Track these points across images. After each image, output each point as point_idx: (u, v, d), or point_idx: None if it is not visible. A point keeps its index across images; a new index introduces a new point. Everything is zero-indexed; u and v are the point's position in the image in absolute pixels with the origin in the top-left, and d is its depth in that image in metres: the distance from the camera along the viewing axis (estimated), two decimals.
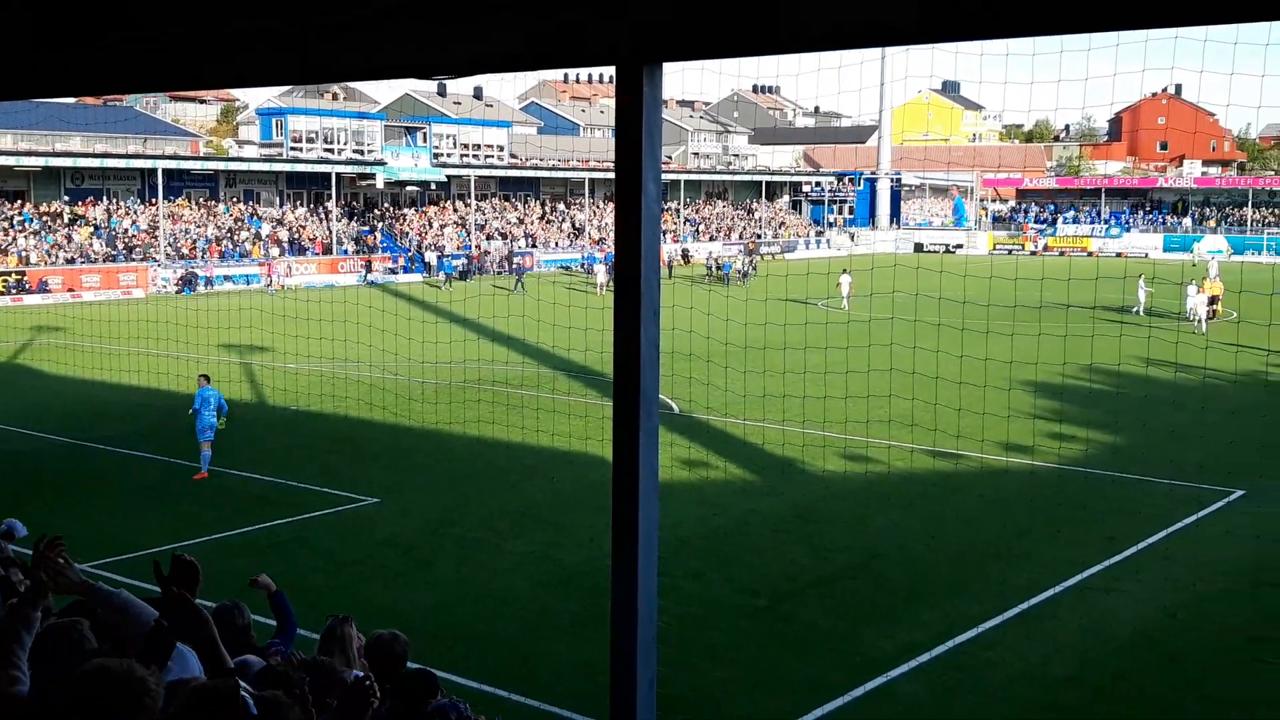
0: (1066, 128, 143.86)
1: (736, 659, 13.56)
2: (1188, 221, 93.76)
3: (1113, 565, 16.85)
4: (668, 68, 4.91)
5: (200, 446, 21.55)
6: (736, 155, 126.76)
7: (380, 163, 74.89)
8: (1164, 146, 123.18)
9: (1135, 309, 46.82)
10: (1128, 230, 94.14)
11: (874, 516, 19.54)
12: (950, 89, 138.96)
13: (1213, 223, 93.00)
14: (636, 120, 4.89)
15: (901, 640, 13.90)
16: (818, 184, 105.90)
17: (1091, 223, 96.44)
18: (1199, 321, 42.93)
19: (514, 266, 66.19)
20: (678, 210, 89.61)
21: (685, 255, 79.52)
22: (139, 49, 5.55)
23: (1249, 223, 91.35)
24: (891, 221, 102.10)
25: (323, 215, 72.37)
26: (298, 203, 73.93)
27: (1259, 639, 14.21)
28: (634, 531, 4.89)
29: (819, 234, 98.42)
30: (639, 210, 4.91)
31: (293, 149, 73.50)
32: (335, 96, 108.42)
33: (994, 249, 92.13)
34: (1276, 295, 32.20)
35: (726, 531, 18.68)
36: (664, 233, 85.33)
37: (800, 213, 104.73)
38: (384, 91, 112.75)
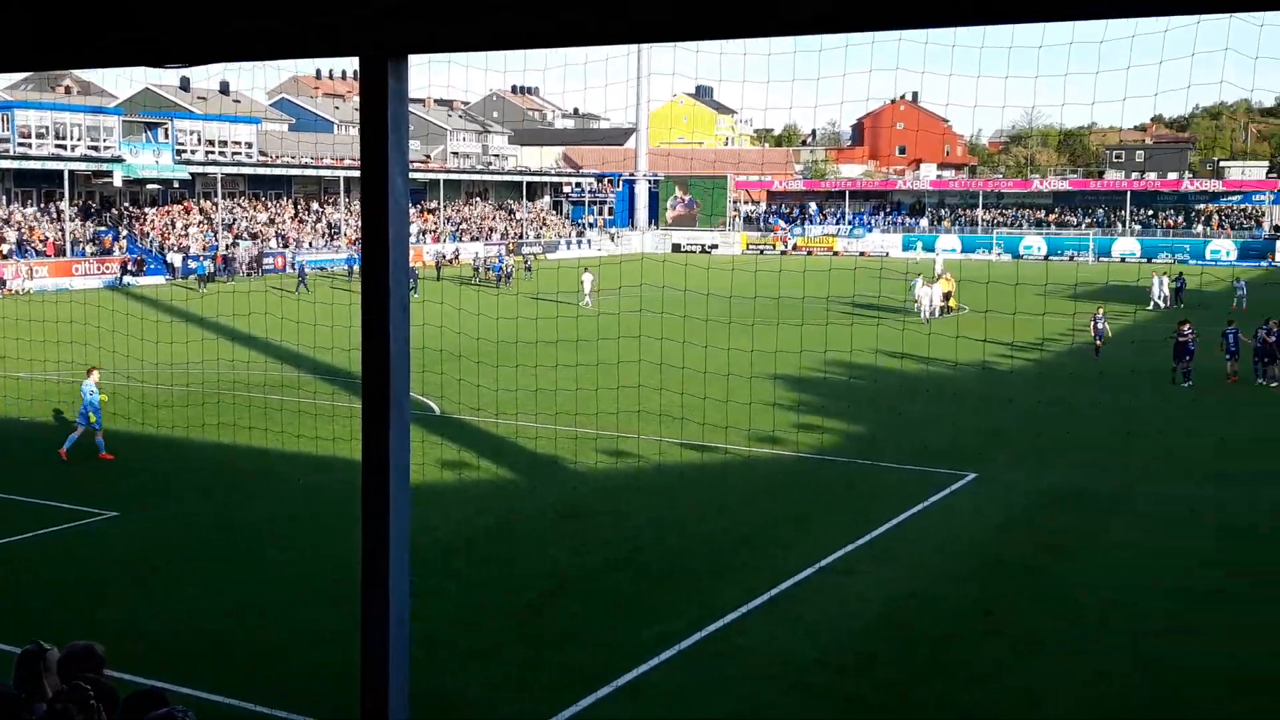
0: (813, 132, 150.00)
1: (498, 658, 13.53)
2: (924, 222, 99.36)
3: (858, 549, 17.66)
4: (435, 64, 4.86)
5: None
6: (497, 155, 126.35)
7: (118, 159, 70.95)
8: (902, 151, 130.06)
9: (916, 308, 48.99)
10: (870, 230, 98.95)
11: (634, 510, 19.85)
12: (704, 94, 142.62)
13: (947, 223, 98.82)
14: (381, 113, 4.81)
15: (659, 630, 14.18)
16: (578, 185, 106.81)
17: (837, 223, 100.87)
18: (927, 314, 45.85)
19: (298, 267, 63.79)
20: (438, 210, 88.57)
21: (455, 255, 78.77)
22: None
23: (979, 222, 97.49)
24: (650, 222, 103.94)
25: (55, 215, 68.03)
26: (27, 202, 69.30)
27: (990, 613, 15.19)
28: (384, 532, 4.80)
29: (580, 234, 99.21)
30: (385, 204, 4.84)
31: (21, 144, 68.75)
32: (69, 90, 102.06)
33: (747, 248, 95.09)
34: (1004, 294, 34.42)
35: (488, 532, 18.62)
36: (425, 233, 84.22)
37: (561, 213, 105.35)
38: (123, 86, 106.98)
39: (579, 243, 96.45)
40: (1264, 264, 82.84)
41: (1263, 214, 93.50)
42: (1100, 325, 36.99)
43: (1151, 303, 51.88)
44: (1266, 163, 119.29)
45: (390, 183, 4.91)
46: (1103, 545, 18.28)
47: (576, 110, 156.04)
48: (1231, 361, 32.57)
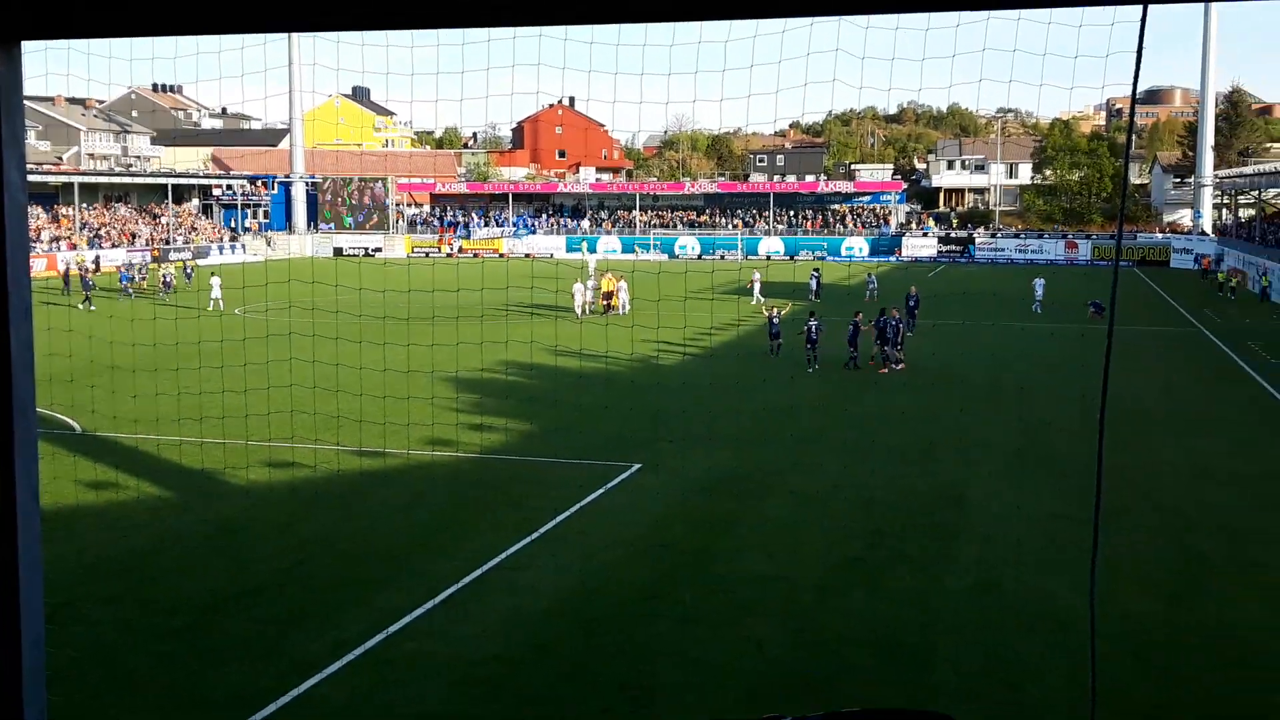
0: (474, 135, 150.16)
1: (154, 683, 12.80)
2: (586, 223, 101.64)
3: (532, 543, 17.91)
4: (73, 55, 4.53)
5: None
6: (139, 157, 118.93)
7: None
8: (562, 154, 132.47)
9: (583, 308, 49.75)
10: (533, 233, 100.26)
11: (301, 521, 19.27)
12: (362, 95, 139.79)
13: (608, 224, 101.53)
14: None
15: (330, 640, 13.86)
16: (229, 187, 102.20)
17: (501, 226, 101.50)
18: (579, 310, 47.27)
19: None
20: (73, 216, 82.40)
21: (96, 264, 73.30)
22: None
23: (636, 224, 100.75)
24: (309, 225, 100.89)
25: None
26: None
27: (654, 596, 15.79)
28: (13, 554, 4.47)
29: (234, 239, 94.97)
30: (1, 201, 4.51)
31: None
32: None
33: (412, 252, 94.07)
34: (667, 289, 35.63)
35: (142, 552, 17.56)
36: (59, 240, 78.12)
37: (212, 217, 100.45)
38: None
39: (233, 247, 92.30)
40: (893, 259, 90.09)
41: (890, 213, 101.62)
42: (775, 319, 38.60)
43: (811, 294, 55.44)
44: (892, 165, 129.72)
45: (5, 178, 4.59)
46: (758, 523, 19.36)
47: (225, 110, 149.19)
48: (877, 347, 35.36)
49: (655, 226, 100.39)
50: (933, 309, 45.21)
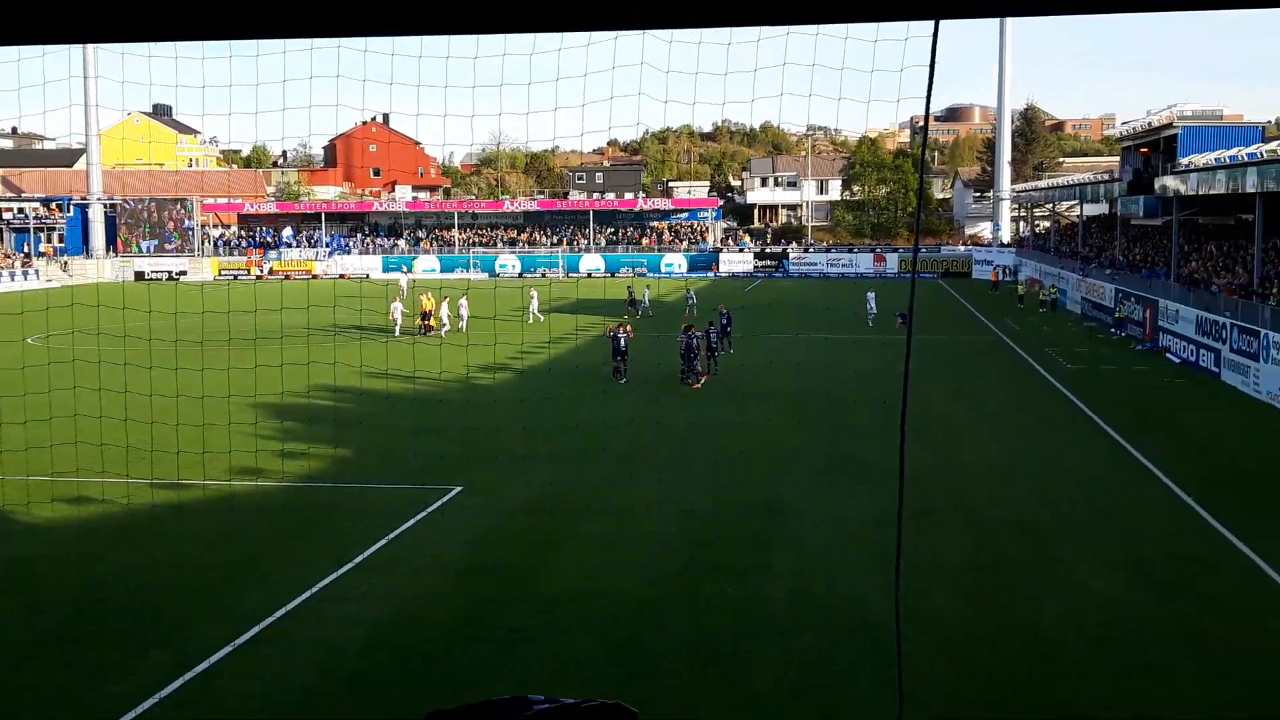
0: (284, 154, 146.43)
1: None
2: (402, 243, 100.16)
3: (346, 574, 17.41)
4: None
5: None
6: None
7: None
8: (377, 173, 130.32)
9: (447, 328, 48.65)
10: (348, 252, 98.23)
11: (98, 560, 18.28)
12: (163, 112, 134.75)
13: (426, 244, 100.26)
14: None
15: (130, 685, 13.15)
16: (20, 210, 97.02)
17: (315, 246, 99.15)
18: (399, 330, 46.64)
19: None
20: None
21: None
22: None
23: (456, 243, 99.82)
24: (108, 249, 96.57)
25: None
26: None
27: (474, 620, 15.53)
28: None
29: (25, 264, 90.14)
30: None
31: None
32: None
33: (219, 275, 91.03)
34: (485, 309, 35.23)
35: None
36: None
37: (2, 242, 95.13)
38: None
39: (25, 273, 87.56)
40: (710, 275, 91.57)
41: (707, 229, 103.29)
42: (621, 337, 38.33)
43: (641, 311, 55.94)
44: (708, 182, 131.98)
45: None
46: (579, 541, 19.28)
47: (15, 130, 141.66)
48: (695, 363, 35.73)
49: (475, 245, 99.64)
50: (754, 323, 46.05)
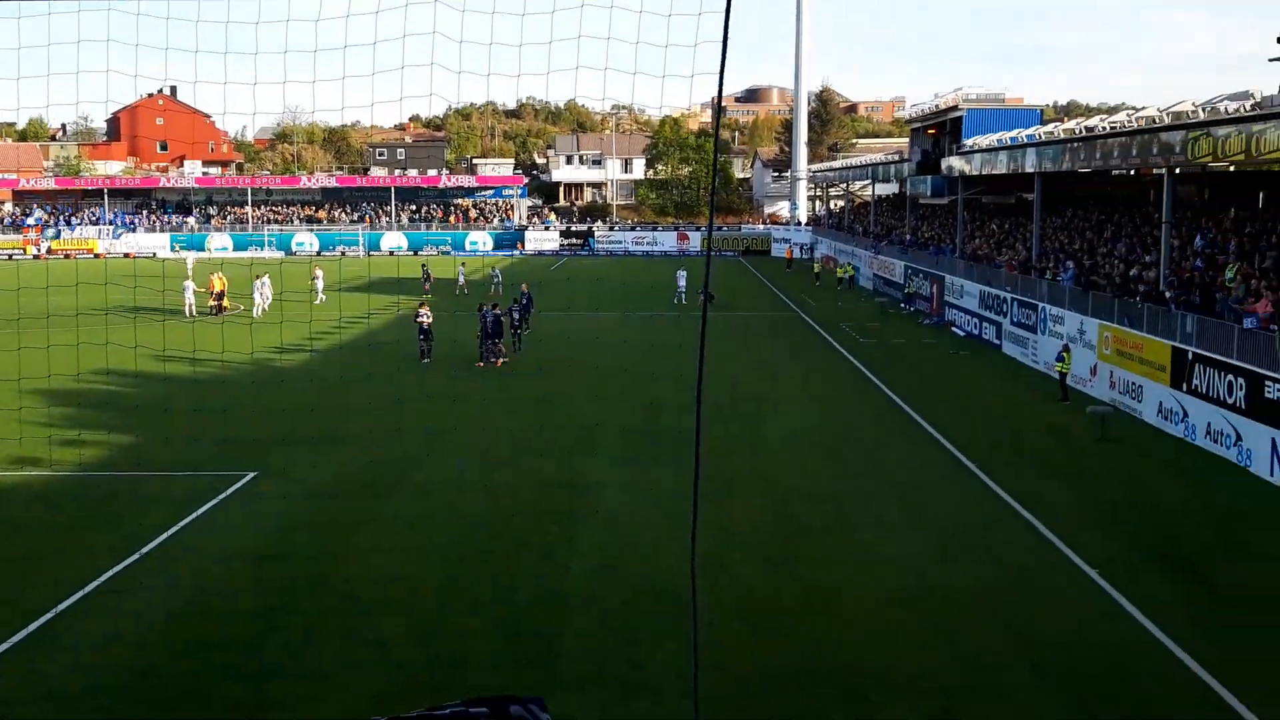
0: (63, 127, 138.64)
1: None
2: (192, 220, 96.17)
3: (134, 564, 16.63)
4: None
5: None
6: None
7: None
8: (164, 147, 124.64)
9: (186, 311, 46.55)
10: (134, 230, 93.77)
11: None
12: None
13: (217, 220, 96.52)
14: None
15: None
16: None
17: (97, 224, 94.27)
18: (191, 311, 44.98)
19: None
20: None
21: None
22: None
23: (250, 220, 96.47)
24: None
25: None
26: None
27: (273, 609, 15.07)
28: None
29: None
30: None
31: None
32: None
33: None
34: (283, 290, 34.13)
35: None
36: None
37: None
38: None
39: None
40: (516, 253, 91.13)
41: (512, 207, 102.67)
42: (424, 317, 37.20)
43: (458, 289, 54.61)
44: (513, 160, 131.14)
45: None
46: (384, 523, 18.90)
47: None
48: (489, 343, 35.35)
49: (270, 223, 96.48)
50: (560, 300, 45.99)
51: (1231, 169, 36.59)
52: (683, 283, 54.90)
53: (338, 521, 19.03)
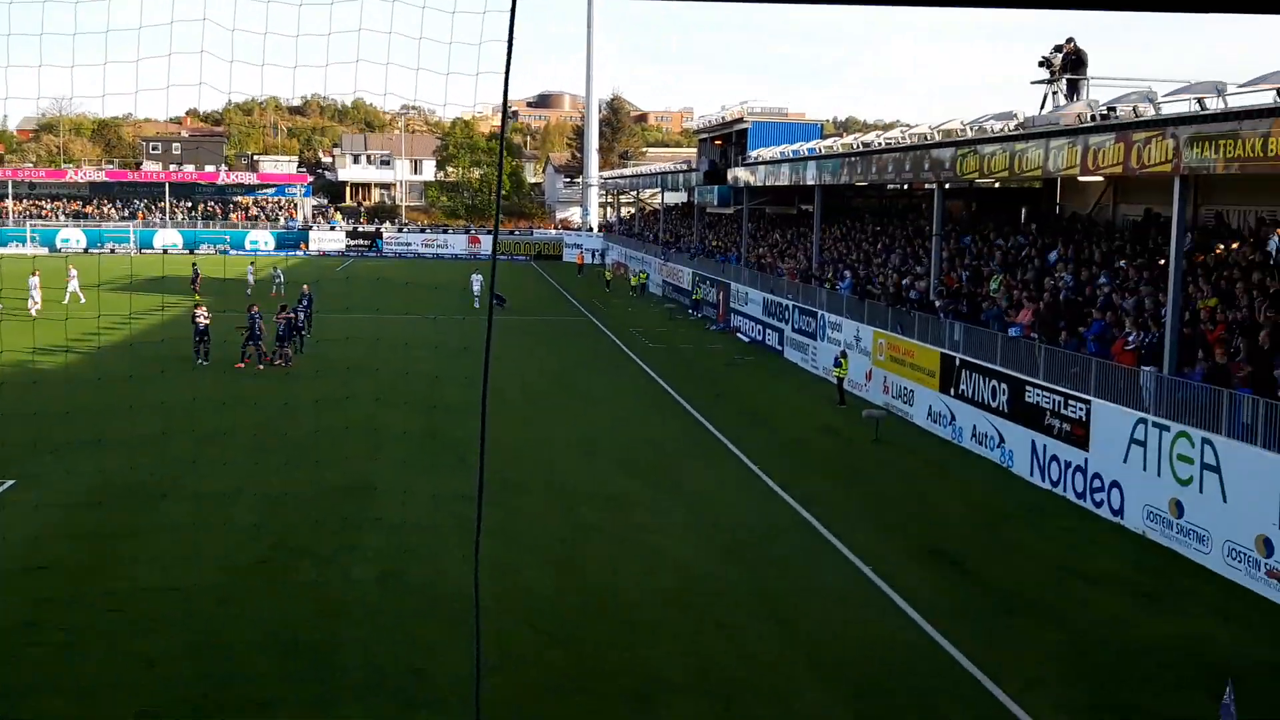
0: None
1: None
2: None
3: None
4: None
5: None
6: None
7: None
8: None
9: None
10: None
11: None
12: None
13: None
14: None
15: None
16: None
17: None
18: None
19: None
20: None
21: None
22: None
23: (10, 214, 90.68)
24: None
25: None
26: None
27: (31, 624, 14.16)
28: None
29: None
30: None
31: None
32: None
33: None
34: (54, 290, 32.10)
35: None
36: None
37: None
38: None
39: None
40: (299, 253, 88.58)
41: (296, 206, 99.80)
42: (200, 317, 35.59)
43: (249, 289, 52.65)
44: (297, 158, 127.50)
45: None
46: (155, 533, 18.00)
47: None
48: (252, 345, 34.23)
49: (32, 217, 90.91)
50: (346, 302, 44.85)
51: (996, 185, 38.74)
52: (477, 286, 54.53)
53: (104, 531, 18.03)
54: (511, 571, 16.38)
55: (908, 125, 37.35)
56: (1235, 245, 24.84)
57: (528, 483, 21.41)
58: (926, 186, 38.69)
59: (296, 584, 15.89)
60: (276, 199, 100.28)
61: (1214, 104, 18.73)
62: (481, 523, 3.23)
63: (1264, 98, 17.78)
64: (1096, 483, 20.73)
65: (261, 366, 33.62)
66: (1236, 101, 18.48)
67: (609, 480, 22.18)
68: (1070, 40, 29.53)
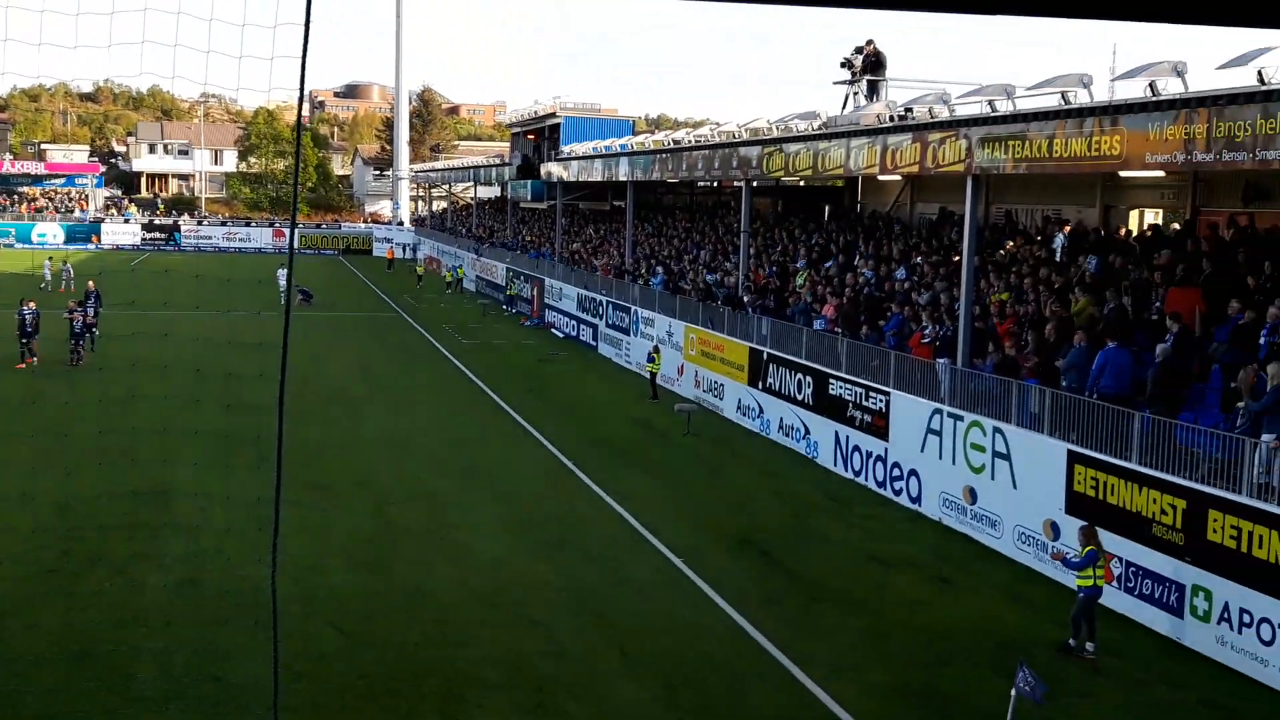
0: None
1: None
2: None
3: None
4: None
5: None
6: None
7: None
8: None
9: None
10: None
11: None
12: None
13: None
14: None
15: None
16: None
17: None
18: None
19: None
20: None
21: None
22: None
23: None
24: None
25: None
26: None
27: None
28: None
29: None
30: None
31: None
32: None
33: None
34: None
35: None
36: None
37: None
38: None
39: None
40: (91, 246, 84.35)
41: (87, 197, 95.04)
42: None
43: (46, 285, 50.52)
44: (88, 147, 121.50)
45: None
46: None
47: None
48: (29, 342, 32.44)
49: None
50: (140, 298, 42.91)
51: (802, 183, 39.75)
52: (283, 281, 52.92)
53: None
54: (318, 574, 15.96)
55: (717, 123, 37.97)
56: (1024, 242, 26.10)
57: (335, 483, 20.90)
58: (735, 184, 39.39)
59: (87, 593, 15.09)
60: (66, 190, 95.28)
61: (1004, 106, 19.60)
62: (280, 524, 3.09)
63: (1050, 101, 18.69)
64: (896, 472, 21.49)
65: (22, 366, 31.84)
66: (1025, 104, 19.38)
67: (420, 478, 21.83)
68: (870, 42, 30.51)
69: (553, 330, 45.10)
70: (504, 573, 16.61)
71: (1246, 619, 13.66)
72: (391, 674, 13.06)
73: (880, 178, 33.95)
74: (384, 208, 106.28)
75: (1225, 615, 13.96)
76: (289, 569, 15.82)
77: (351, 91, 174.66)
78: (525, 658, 13.64)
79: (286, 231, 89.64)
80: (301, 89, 3.32)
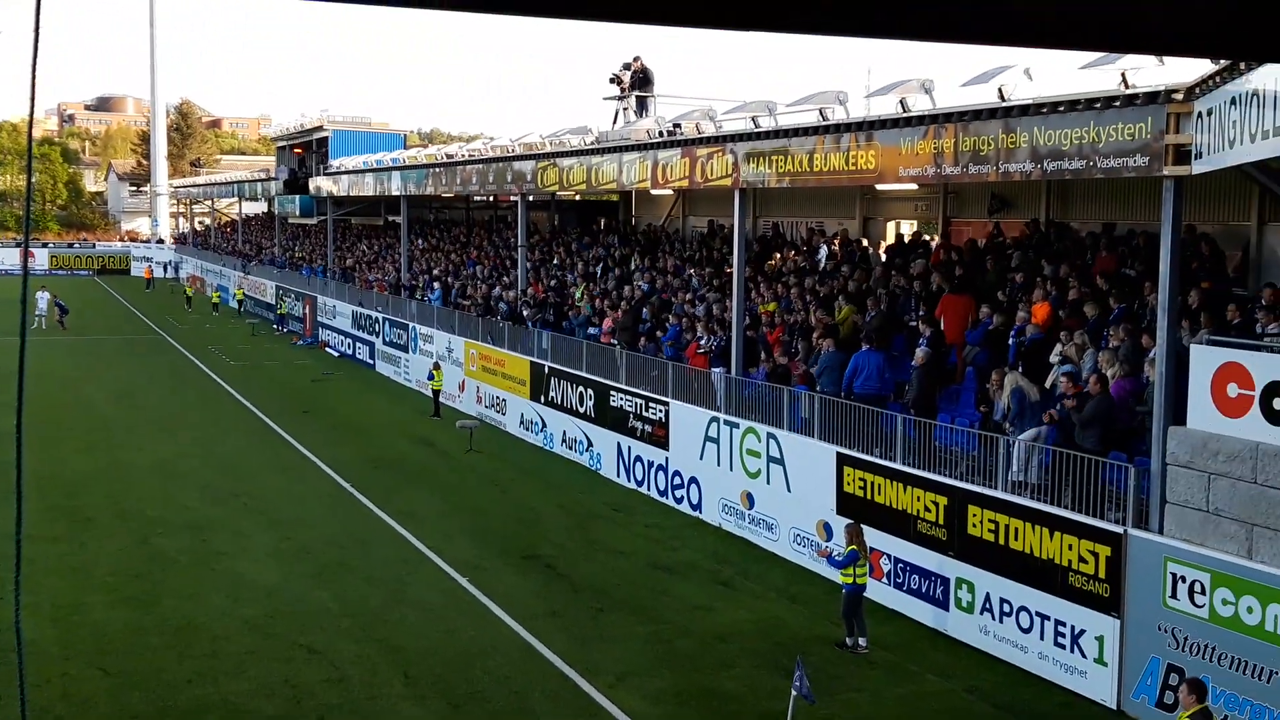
0: None
1: None
2: None
3: None
4: None
5: None
6: None
7: None
8: None
9: None
10: None
11: None
12: None
13: None
14: None
15: None
16: None
17: None
18: None
19: None
20: None
21: None
22: None
23: None
24: None
25: None
26: None
27: None
28: None
29: None
30: None
31: None
32: None
33: None
34: None
35: None
36: None
37: None
38: None
39: None
40: None
41: None
42: None
43: None
44: None
45: None
46: None
47: None
48: None
49: None
50: None
51: (577, 197, 40.05)
52: (43, 304, 49.84)
53: None
54: (79, 611, 15.08)
55: (490, 138, 37.84)
56: (790, 253, 27.02)
57: (97, 514, 19.81)
58: (511, 198, 39.38)
59: None
60: None
61: (766, 122, 20.22)
62: (21, 562, 2.90)
63: (809, 117, 19.38)
64: (677, 480, 21.88)
65: None
66: (785, 120, 20.04)
67: (188, 507, 20.90)
68: (637, 58, 31.02)
69: (327, 349, 43.96)
70: (279, 600, 16.07)
71: (1006, 608, 14.50)
72: (161, 713, 12.44)
73: (653, 192, 34.55)
74: (142, 225, 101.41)
75: (987, 605, 14.78)
76: (46, 609, 14.93)
77: (104, 104, 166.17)
78: (304, 687, 13.22)
79: (37, 252, 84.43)
80: (32, 98, 3.13)
